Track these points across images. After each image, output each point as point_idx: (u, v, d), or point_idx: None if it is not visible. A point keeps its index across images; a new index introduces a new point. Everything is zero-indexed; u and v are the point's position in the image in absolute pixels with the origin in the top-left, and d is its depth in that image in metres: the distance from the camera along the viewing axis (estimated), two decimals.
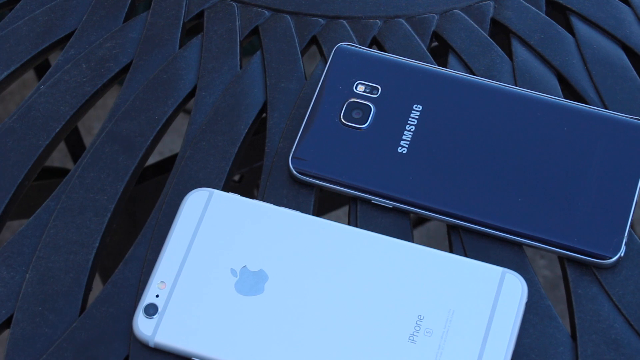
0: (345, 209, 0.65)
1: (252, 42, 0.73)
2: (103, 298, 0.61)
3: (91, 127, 1.55)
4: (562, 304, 0.61)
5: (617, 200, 0.62)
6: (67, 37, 0.72)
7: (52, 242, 0.63)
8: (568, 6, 0.72)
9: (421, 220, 1.44)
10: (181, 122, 1.25)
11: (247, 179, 1.09)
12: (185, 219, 0.61)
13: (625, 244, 0.60)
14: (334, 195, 0.65)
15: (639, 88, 0.67)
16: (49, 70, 0.70)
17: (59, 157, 1.51)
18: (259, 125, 0.68)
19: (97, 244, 0.63)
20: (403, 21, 0.72)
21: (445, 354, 0.57)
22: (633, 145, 0.63)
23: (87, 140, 1.42)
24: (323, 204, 1.07)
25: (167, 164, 0.99)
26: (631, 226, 0.61)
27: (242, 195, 0.62)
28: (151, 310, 0.59)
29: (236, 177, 1.11)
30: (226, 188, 0.65)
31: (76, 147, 1.18)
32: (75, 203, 0.64)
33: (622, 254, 0.60)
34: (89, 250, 0.62)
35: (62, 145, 1.44)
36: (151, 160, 1.29)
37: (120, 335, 0.59)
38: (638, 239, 0.62)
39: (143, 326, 0.59)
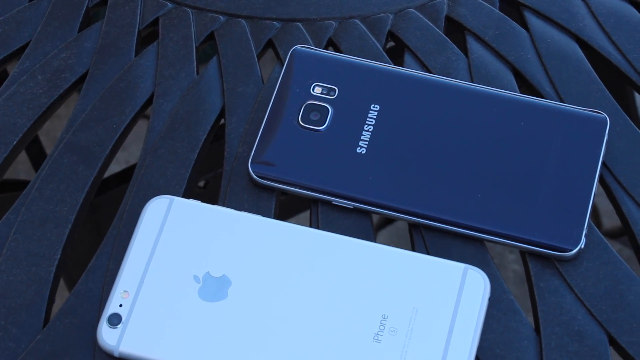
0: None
1: (210, 44, 0.73)
2: (66, 310, 0.60)
3: (56, 138, 1.54)
4: None
5: (575, 192, 0.62)
6: (22, 49, 0.72)
7: (13, 255, 0.62)
8: (521, 1, 0.72)
9: (389, 220, 1.44)
10: (145, 130, 1.25)
11: (212, 184, 1.09)
12: (146, 227, 0.61)
13: (585, 236, 0.61)
14: (297, 198, 0.65)
15: (593, 80, 0.68)
16: (4, 82, 0.69)
17: (25, 169, 1.50)
18: (220, 131, 0.68)
19: (58, 256, 0.62)
20: (358, 22, 0.72)
21: (410, 352, 0.57)
22: (590, 137, 0.64)
23: None
24: (288, 208, 1.07)
25: (131, 172, 0.98)
26: (591, 218, 0.62)
27: (207, 201, 0.62)
28: (115, 320, 0.59)
29: (201, 183, 1.11)
30: (188, 194, 0.64)
31: (39, 159, 1.17)
32: (35, 215, 0.64)
33: (583, 246, 0.61)
34: (50, 262, 0.62)
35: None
36: (117, 169, 1.28)
37: (85, 347, 0.59)
38: (598, 230, 0.62)
39: (107, 336, 0.58)
